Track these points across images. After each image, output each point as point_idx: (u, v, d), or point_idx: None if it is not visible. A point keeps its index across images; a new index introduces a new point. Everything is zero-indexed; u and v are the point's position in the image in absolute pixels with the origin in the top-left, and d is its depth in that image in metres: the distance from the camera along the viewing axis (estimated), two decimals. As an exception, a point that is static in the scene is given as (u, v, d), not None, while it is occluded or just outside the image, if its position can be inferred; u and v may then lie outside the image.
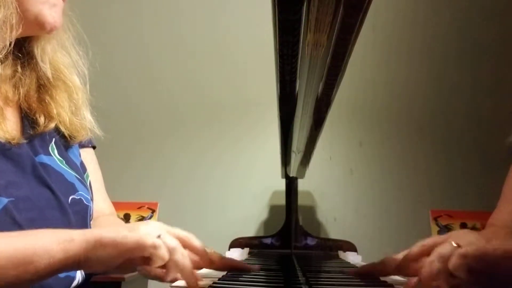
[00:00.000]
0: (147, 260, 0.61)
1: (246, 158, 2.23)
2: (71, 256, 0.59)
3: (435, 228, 2.11)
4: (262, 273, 0.92)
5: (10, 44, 0.76)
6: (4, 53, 0.75)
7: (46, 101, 0.83)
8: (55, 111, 0.83)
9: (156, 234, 0.62)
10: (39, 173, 0.76)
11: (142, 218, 2.17)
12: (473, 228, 2.10)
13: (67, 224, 0.78)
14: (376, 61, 2.25)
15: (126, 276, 1.72)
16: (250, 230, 2.15)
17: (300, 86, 0.71)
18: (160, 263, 0.60)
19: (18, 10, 0.75)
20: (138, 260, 0.61)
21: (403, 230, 2.09)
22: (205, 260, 0.70)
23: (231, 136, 2.26)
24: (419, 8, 2.30)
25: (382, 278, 0.83)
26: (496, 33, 2.23)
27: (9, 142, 0.73)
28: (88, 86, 0.93)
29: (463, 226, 2.11)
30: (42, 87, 0.84)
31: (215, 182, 2.22)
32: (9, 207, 0.68)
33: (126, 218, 2.17)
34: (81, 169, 0.88)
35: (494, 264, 0.56)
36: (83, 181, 0.85)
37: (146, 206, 2.19)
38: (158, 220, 2.16)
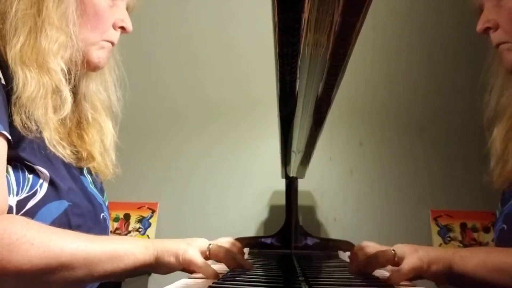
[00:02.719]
0: None
1: (246, 158, 2.23)
2: (147, 259, 0.77)
3: (435, 228, 2.11)
4: (262, 273, 0.92)
5: (74, 79, 0.85)
6: (70, 86, 0.84)
7: (85, 138, 0.91)
8: (90, 149, 0.92)
9: (207, 244, 0.86)
10: (84, 187, 0.86)
11: (142, 218, 2.17)
12: (473, 228, 2.11)
13: None
14: (376, 61, 2.25)
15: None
16: (250, 230, 2.15)
17: (300, 86, 0.71)
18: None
19: (81, 49, 0.85)
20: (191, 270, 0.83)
21: (403, 230, 2.09)
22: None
23: (231, 136, 2.26)
24: (419, 8, 2.30)
25: (382, 278, 0.83)
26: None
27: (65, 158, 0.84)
28: (118, 127, 1.01)
29: (463, 226, 2.11)
30: (81, 124, 0.93)
31: (215, 182, 2.22)
32: (68, 210, 0.78)
33: (126, 218, 2.17)
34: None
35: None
36: (106, 205, 0.94)
37: (146, 206, 2.19)
38: (158, 220, 2.16)
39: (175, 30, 2.34)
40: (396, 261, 0.84)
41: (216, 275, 0.82)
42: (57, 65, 0.80)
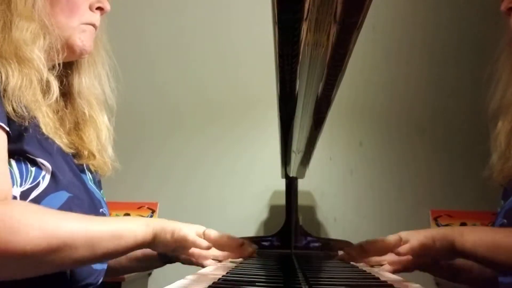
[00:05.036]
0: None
1: (246, 158, 2.23)
2: (147, 237, 0.79)
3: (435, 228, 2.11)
4: (262, 273, 0.92)
5: (59, 65, 0.86)
6: (56, 73, 0.85)
7: (84, 138, 0.93)
8: (90, 148, 0.94)
9: (202, 230, 0.88)
10: (84, 183, 0.88)
11: (142, 218, 2.17)
12: (473, 228, 2.10)
13: None
14: (376, 61, 2.25)
15: (126, 276, 1.72)
16: (250, 230, 2.15)
17: (300, 86, 0.71)
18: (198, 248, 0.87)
19: (60, 36, 0.86)
20: (186, 250, 0.88)
21: (403, 230, 2.09)
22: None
23: (231, 136, 2.26)
24: (419, 8, 2.30)
25: (382, 278, 0.83)
26: (496, 33, 2.22)
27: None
28: (114, 118, 1.03)
29: (463, 226, 2.11)
30: (78, 124, 0.95)
31: (215, 182, 2.22)
32: (69, 202, 0.80)
33: (126, 218, 2.17)
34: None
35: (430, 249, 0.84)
36: (104, 201, 0.96)
37: (146, 206, 2.19)
38: (158, 220, 2.15)
39: (175, 30, 2.34)
40: (401, 244, 0.88)
41: (208, 247, 0.86)
42: (35, 54, 0.81)
